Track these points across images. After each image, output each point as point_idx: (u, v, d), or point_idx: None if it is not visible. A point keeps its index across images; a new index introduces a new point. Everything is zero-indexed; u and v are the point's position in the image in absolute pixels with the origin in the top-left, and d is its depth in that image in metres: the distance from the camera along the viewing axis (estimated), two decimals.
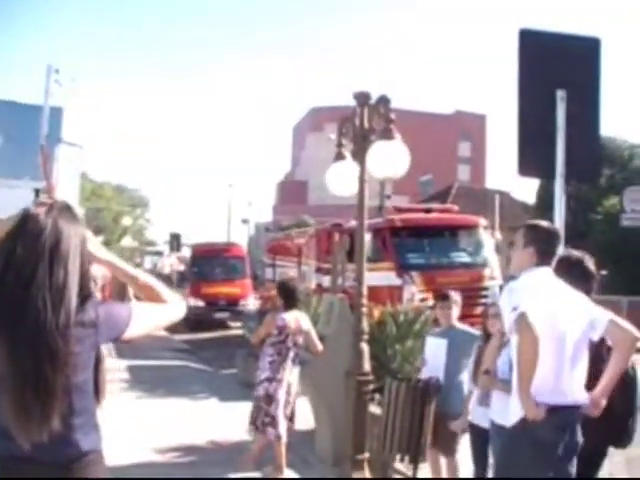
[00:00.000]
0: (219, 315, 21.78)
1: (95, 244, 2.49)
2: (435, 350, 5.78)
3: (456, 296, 5.91)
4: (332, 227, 15.94)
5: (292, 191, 66.45)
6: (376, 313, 8.58)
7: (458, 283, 11.84)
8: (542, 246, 3.72)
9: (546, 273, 3.70)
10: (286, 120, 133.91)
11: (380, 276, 13.54)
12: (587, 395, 3.58)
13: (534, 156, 5.10)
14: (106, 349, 14.57)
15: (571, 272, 3.91)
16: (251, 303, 21.78)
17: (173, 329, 22.05)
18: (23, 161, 18.07)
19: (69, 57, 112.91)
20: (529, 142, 5.04)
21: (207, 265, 23.50)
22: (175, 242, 30.83)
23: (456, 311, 5.87)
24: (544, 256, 3.70)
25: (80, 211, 27.71)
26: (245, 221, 53.04)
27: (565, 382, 3.51)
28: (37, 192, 13.82)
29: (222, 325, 21.86)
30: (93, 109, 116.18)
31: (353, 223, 13.13)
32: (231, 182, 53.09)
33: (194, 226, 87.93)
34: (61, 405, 2.21)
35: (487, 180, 56.78)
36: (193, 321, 21.54)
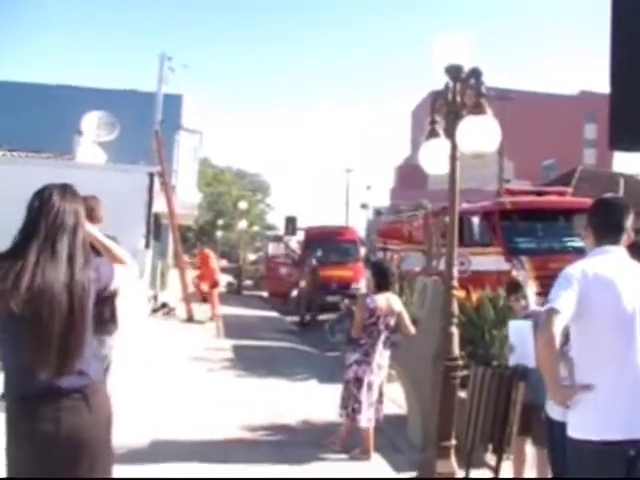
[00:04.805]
0: (331, 298, 21.76)
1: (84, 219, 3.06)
2: (522, 334, 5.31)
3: None
4: (440, 210, 15.55)
5: (411, 175, 65.38)
6: (474, 297, 8.32)
7: None
8: (598, 224, 3.38)
9: (601, 256, 3.29)
10: (406, 104, 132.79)
11: (488, 261, 13.12)
12: None
13: (629, 124, 4.54)
14: (215, 330, 14.99)
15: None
16: (363, 287, 21.64)
17: (285, 310, 22.41)
18: (140, 147, 18.84)
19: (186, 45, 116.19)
20: (623, 108, 4.48)
21: (320, 248, 23.51)
22: (291, 225, 30.92)
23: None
24: (602, 234, 3.34)
25: (198, 195, 28.58)
26: (364, 206, 52.99)
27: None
28: (152, 176, 14.18)
29: (334, 308, 21.85)
30: (216, 96, 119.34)
31: (463, 206, 12.77)
32: (351, 167, 53.04)
33: (314, 211, 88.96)
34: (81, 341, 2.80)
35: (615, 163, 53.95)
36: (305, 303, 21.73)
